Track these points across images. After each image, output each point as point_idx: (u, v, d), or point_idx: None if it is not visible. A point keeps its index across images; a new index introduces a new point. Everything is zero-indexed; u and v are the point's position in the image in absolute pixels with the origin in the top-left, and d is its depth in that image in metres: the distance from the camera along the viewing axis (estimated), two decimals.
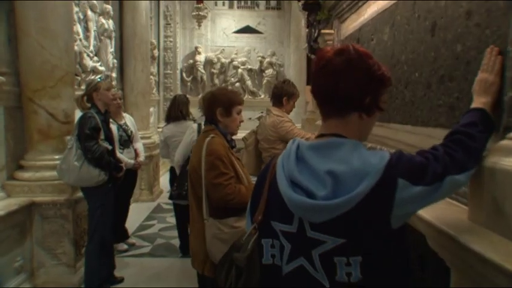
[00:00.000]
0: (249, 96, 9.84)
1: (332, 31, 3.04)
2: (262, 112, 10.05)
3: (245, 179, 2.09)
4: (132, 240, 4.29)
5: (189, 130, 3.33)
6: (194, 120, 3.85)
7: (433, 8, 1.46)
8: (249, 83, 9.77)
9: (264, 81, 9.79)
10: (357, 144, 0.89)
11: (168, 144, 3.88)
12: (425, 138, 1.45)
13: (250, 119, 10.25)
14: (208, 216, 2.01)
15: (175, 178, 3.35)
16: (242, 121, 2.20)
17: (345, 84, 0.89)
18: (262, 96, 9.86)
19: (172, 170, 3.97)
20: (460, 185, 0.90)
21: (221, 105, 2.11)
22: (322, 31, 3.09)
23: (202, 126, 2.57)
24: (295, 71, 9.48)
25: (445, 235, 1.01)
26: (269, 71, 9.75)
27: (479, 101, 1.01)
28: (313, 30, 3.08)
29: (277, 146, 2.95)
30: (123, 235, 4.18)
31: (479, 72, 1.05)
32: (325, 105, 0.96)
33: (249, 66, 9.74)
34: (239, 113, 2.18)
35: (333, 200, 0.81)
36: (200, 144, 2.08)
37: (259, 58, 9.71)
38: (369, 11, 2.30)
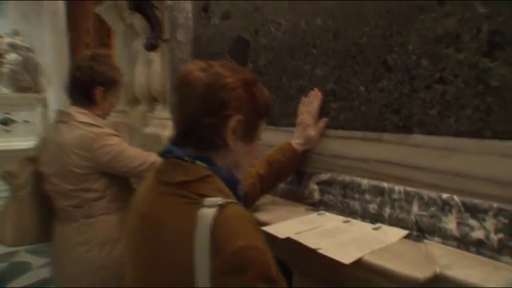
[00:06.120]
0: None
1: None
2: (6, 113, 7.41)
3: None
4: None
5: None
6: None
7: None
8: None
9: (5, 70, 7.20)
10: None
11: None
12: None
13: None
14: None
15: None
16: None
17: None
18: (4, 90, 7.27)
19: None
20: None
21: (243, 110, 0.81)
22: None
23: None
24: (52, 56, 7.49)
25: None
26: (12, 57, 7.22)
27: None
28: None
29: (92, 186, 1.46)
30: None
31: None
32: None
33: None
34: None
35: None
36: (180, 237, 0.71)
37: None
38: None
